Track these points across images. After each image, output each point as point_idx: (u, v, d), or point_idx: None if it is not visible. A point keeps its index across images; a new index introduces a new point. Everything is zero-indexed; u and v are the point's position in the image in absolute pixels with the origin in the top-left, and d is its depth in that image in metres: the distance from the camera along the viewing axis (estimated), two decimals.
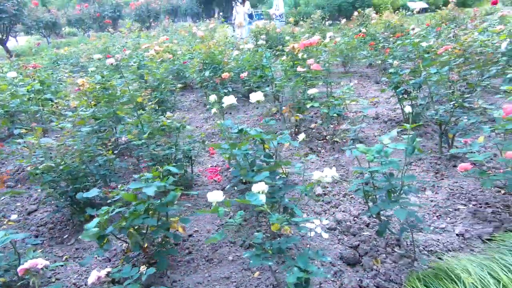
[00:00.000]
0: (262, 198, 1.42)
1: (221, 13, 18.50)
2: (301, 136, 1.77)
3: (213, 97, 1.96)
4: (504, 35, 2.90)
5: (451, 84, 3.48)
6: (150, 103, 2.40)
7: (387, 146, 1.51)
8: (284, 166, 1.96)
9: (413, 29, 3.53)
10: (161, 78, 3.28)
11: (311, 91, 2.60)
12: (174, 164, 2.26)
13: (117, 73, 2.77)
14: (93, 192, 1.59)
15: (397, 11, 7.99)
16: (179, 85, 3.78)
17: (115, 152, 2.18)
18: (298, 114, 2.59)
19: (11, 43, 17.34)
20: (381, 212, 1.76)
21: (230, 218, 1.95)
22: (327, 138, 3.10)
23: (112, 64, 2.35)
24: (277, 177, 1.87)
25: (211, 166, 2.83)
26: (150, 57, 3.97)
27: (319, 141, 3.15)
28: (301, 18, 10.59)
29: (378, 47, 4.69)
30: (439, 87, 3.24)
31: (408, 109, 1.71)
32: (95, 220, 1.40)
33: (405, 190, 1.53)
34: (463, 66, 3.42)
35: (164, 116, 2.29)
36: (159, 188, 1.36)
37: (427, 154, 2.74)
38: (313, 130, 3.31)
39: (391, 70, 2.88)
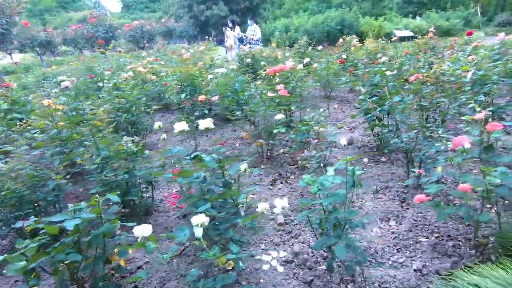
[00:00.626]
0: (199, 232, 1.35)
1: (216, 36, 18.97)
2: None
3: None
4: (466, 66, 2.96)
5: (423, 112, 3.52)
6: (111, 126, 2.35)
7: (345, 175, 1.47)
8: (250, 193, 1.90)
9: (380, 57, 3.61)
10: (133, 100, 3.26)
11: (278, 117, 2.59)
12: (133, 189, 2.19)
13: (83, 96, 2.74)
14: (30, 221, 1.50)
15: (382, 39, 8.26)
16: (155, 107, 3.77)
17: (67, 176, 2.10)
18: (259, 140, 2.56)
19: (6, 60, 17.52)
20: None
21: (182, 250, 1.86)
22: (298, 163, 3.05)
23: (67, 87, 2.31)
24: (229, 206, 1.80)
25: (176, 191, 2.75)
26: (124, 78, 3.97)
27: (290, 166, 3.10)
28: (291, 43, 10.87)
29: (357, 74, 4.77)
30: (410, 114, 3.27)
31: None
32: (19, 252, 1.31)
33: (351, 224, 1.47)
34: (435, 94, 3.48)
35: (138, 140, 2.24)
36: (85, 220, 1.29)
37: (396, 182, 2.70)
38: (286, 155, 3.27)
39: (360, 97, 2.90)
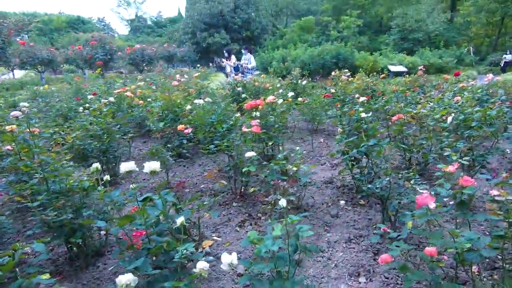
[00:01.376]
0: None
1: (217, 62, 19.42)
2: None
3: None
4: (444, 111, 2.89)
5: (405, 153, 3.41)
6: (67, 157, 2.21)
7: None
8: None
9: (358, 97, 3.56)
10: (106, 127, 3.16)
11: (248, 154, 2.46)
12: (78, 231, 2.01)
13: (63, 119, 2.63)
14: None
15: (374, 74, 8.37)
16: (131, 134, 3.66)
17: (6, 213, 1.93)
18: (222, 181, 2.41)
19: (7, 76, 17.78)
20: None
21: None
22: (271, 203, 2.89)
23: (17, 117, 2.20)
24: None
25: (136, 229, 2.56)
26: (104, 104, 3.89)
27: (263, 206, 2.93)
28: (287, 73, 11.03)
29: (342, 109, 4.73)
30: (392, 155, 3.15)
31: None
32: None
33: None
34: (417, 135, 3.39)
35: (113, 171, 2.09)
36: None
37: (373, 229, 2.52)
38: (261, 193, 3.11)
39: (337, 137, 2.79)
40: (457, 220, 1.80)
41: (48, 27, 42.67)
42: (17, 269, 1.26)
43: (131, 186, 2.02)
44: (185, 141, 3.80)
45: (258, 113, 3.25)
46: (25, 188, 1.93)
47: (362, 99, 2.81)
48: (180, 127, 3.64)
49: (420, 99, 4.88)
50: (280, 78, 7.97)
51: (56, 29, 41.95)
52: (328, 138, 5.02)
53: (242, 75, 8.33)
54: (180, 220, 1.47)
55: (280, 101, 3.45)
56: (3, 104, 5.17)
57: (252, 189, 2.77)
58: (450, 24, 24.87)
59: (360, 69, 9.15)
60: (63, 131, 3.23)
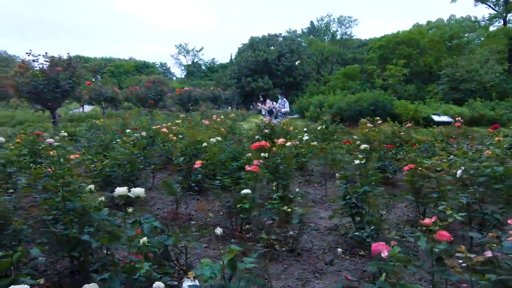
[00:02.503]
0: None
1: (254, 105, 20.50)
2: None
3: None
4: (446, 164, 2.77)
5: (418, 206, 3.24)
6: (87, 180, 2.57)
7: None
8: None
9: (359, 145, 3.54)
10: (130, 158, 3.57)
11: (244, 191, 2.61)
12: (77, 246, 2.26)
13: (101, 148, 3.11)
14: None
15: (417, 123, 8.12)
16: (153, 166, 4.03)
17: (28, 223, 2.29)
18: (210, 214, 2.54)
19: (79, 110, 20.78)
20: None
21: None
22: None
23: (50, 144, 2.65)
24: None
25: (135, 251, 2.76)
26: (129, 138, 4.39)
27: (250, 243, 2.96)
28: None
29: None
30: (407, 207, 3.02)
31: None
32: None
33: None
34: (433, 187, 3.24)
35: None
36: None
37: (365, 282, 2.39)
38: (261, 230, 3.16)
39: (337, 181, 2.81)
40: (434, 277, 1.70)
41: (118, 70, 49.61)
42: (12, 267, 1.51)
43: (129, 210, 2.28)
44: (200, 176, 4.06)
45: (266, 154, 3.42)
46: (50, 204, 2.29)
47: (363, 146, 2.83)
48: (197, 162, 3.95)
49: (452, 150, 4.64)
50: (309, 123, 8.14)
51: (125, 72, 48.57)
52: None
53: (275, 118, 8.70)
54: (143, 240, 1.64)
55: (289, 143, 3.60)
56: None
57: (247, 226, 2.85)
58: (508, 76, 23.40)
59: (403, 116, 8.94)
60: (96, 159, 3.72)
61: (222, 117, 9.30)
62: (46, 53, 7.61)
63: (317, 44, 38.47)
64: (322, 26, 43.70)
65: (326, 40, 43.67)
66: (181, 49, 53.11)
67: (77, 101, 16.17)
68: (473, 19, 32.87)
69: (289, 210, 2.64)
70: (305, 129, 6.85)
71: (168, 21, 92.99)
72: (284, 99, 9.99)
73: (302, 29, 46.97)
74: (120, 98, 17.06)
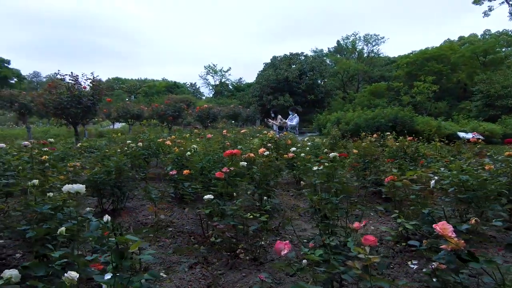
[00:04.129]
0: None
1: (265, 121, 20.59)
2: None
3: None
4: (419, 171, 2.59)
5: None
6: (62, 183, 2.74)
7: None
8: None
9: (327, 152, 3.39)
10: (117, 165, 3.75)
11: (206, 197, 2.63)
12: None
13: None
14: None
15: (441, 140, 7.69)
16: (142, 175, 4.18)
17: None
18: (161, 216, 2.56)
19: (109, 127, 22.20)
20: None
21: None
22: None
23: (25, 146, 2.86)
24: None
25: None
26: (113, 147, 4.59)
27: (226, 253, 2.92)
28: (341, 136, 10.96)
29: (358, 169, 4.54)
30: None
31: None
32: None
33: None
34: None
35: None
36: None
37: None
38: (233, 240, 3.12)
39: (303, 190, 2.74)
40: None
41: (151, 90, 52.75)
42: None
43: (87, 209, 2.39)
44: (186, 184, 4.14)
45: (245, 163, 3.43)
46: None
47: (332, 154, 2.74)
48: (185, 171, 4.04)
49: (461, 166, 4.34)
50: (321, 137, 8.02)
51: (157, 92, 51.53)
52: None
53: (279, 131, 8.68)
54: (61, 229, 1.71)
55: (267, 153, 3.58)
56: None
57: (212, 238, 2.84)
58: None
59: (425, 132, 8.53)
60: (88, 166, 3.95)
61: (234, 132, 9.46)
62: (71, 72, 8.34)
63: (343, 62, 38.29)
64: (348, 44, 43.61)
65: (353, 58, 43.39)
66: (209, 70, 55.41)
67: (108, 118, 17.34)
68: (510, 33, 31.11)
69: (251, 217, 2.60)
70: (308, 143, 6.77)
71: (203, 43, 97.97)
72: (295, 114, 9.98)
73: (328, 48, 47.22)
74: (146, 115, 18.05)
